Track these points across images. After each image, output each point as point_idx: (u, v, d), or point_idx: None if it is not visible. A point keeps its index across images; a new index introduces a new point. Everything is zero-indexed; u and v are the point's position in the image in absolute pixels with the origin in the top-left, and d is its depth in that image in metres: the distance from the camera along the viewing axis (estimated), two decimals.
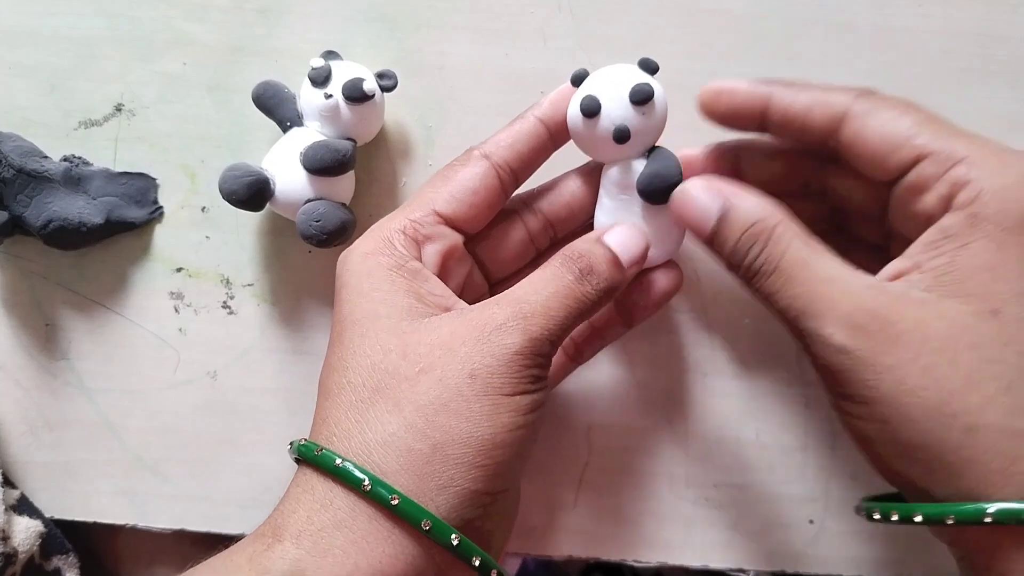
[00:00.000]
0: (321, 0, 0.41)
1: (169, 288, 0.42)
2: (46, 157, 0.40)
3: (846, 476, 0.41)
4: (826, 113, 0.31)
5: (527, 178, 0.37)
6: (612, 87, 0.34)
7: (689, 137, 0.41)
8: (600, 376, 0.41)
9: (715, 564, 0.41)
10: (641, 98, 0.33)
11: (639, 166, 0.35)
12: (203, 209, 0.42)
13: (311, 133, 0.38)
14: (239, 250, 0.42)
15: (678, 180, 0.34)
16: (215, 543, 0.44)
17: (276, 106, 0.39)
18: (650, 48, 0.41)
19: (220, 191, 0.37)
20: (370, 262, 0.32)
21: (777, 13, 0.41)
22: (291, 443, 0.31)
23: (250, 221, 0.41)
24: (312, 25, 0.41)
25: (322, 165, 0.37)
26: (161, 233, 0.42)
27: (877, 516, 0.30)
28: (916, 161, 0.29)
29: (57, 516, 0.42)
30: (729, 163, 0.37)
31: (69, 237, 0.38)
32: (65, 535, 0.42)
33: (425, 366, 0.29)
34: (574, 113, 0.35)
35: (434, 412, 0.28)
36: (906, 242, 0.30)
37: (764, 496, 0.41)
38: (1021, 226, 0.27)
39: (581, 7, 0.41)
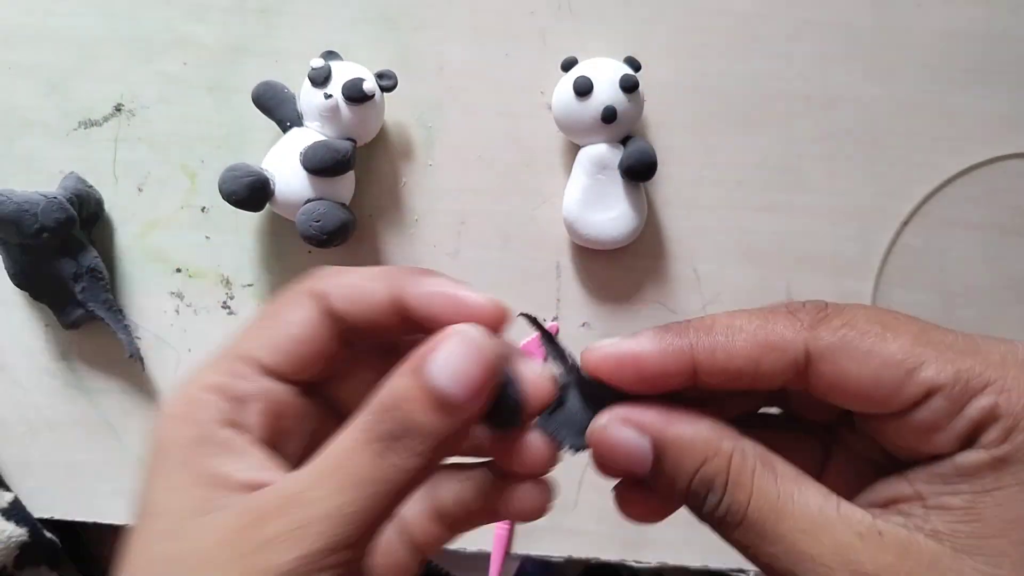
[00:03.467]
0: (321, 0, 0.41)
1: (169, 288, 0.42)
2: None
3: None
4: (779, 361, 0.23)
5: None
6: (603, 72, 0.38)
7: (689, 136, 0.42)
8: None
9: (715, 564, 0.41)
10: (631, 84, 0.38)
11: (617, 150, 0.39)
12: (203, 209, 0.42)
13: (311, 133, 0.38)
14: (239, 250, 0.42)
15: (656, 161, 0.38)
16: None
17: (276, 106, 0.39)
18: (650, 48, 0.41)
19: (220, 191, 0.37)
20: (169, 433, 0.24)
21: (777, 13, 0.41)
22: None
23: (250, 221, 0.41)
24: (312, 25, 0.41)
25: (322, 165, 0.37)
26: (161, 233, 0.42)
27: None
28: (924, 398, 0.23)
29: (57, 516, 0.42)
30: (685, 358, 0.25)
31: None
32: (64, 536, 0.42)
33: None
34: (564, 93, 0.38)
35: None
36: (872, 435, 0.24)
37: None
38: None
39: (581, 7, 0.41)
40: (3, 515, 0.40)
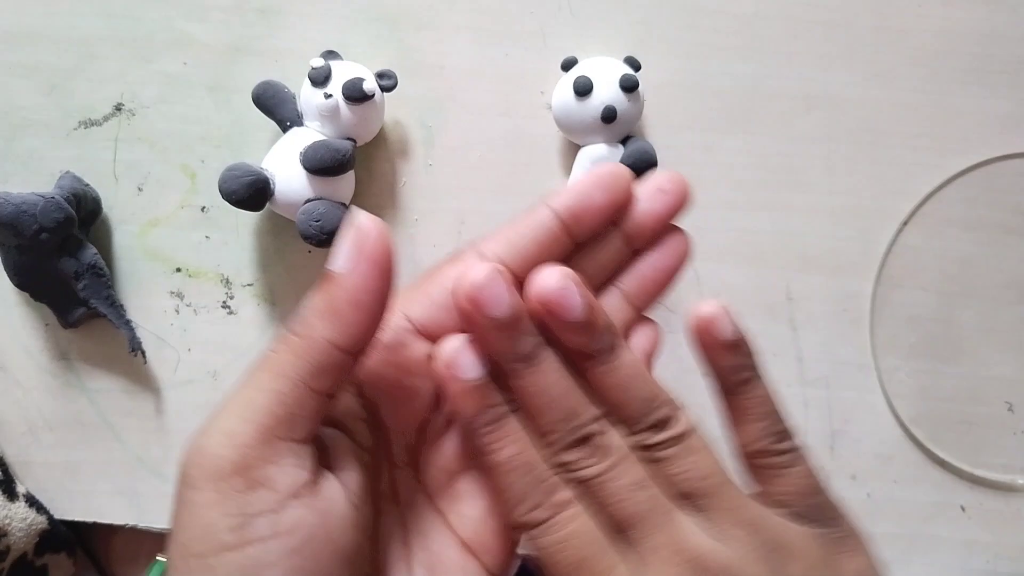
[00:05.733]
0: (321, 0, 0.41)
1: (169, 288, 0.42)
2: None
3: (846, 476, 0.41)
4: None
5: None
6: (603, 73, 0.38)
7: (689, 136, 0.42)
8: None
9: None
10: (631, 84, 0.38)
11: (617, 150, 0.39)
12: (203, 209, 0.42)
13: (311, 133, 0.38)
14: (239, 250, 0.42)
15: (656, 161, 0.39)
16: None
17: (276, 106, 0.39)
18: (650, 48, 0.41)
19: (220, 191, 0.37)
20: (204, 466, 0.22)
21: (777, 13, 0.41)
22: None
23: (250, 221, 0.41)
24: (312, 25, 0.41)
25: (322, 165, 0.37)
26: (161, 233, 0.42)
27: None
28: None
29: (57, 516, 0.42)
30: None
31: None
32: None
33: None
34: (564, 93, 0.38)
35: None
36: None
37: None
38: None
39: (581, 7, 0.41)
40: (26, 501, 0.40)
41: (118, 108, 0.42)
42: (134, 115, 0.42)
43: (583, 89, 0.38)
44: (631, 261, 0.27)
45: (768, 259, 0.41)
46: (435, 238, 0.41)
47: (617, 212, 0.26)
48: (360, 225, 0.23)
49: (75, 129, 0.42)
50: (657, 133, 0.41)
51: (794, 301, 0.41)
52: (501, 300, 0.23)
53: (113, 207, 0.42)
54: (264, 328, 0.42)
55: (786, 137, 0.42)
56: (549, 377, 0.24)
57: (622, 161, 0.38)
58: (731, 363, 0.26)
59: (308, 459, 0.23)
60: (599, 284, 0.27)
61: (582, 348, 0.24)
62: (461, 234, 0.41)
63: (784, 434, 0.26)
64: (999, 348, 0.42)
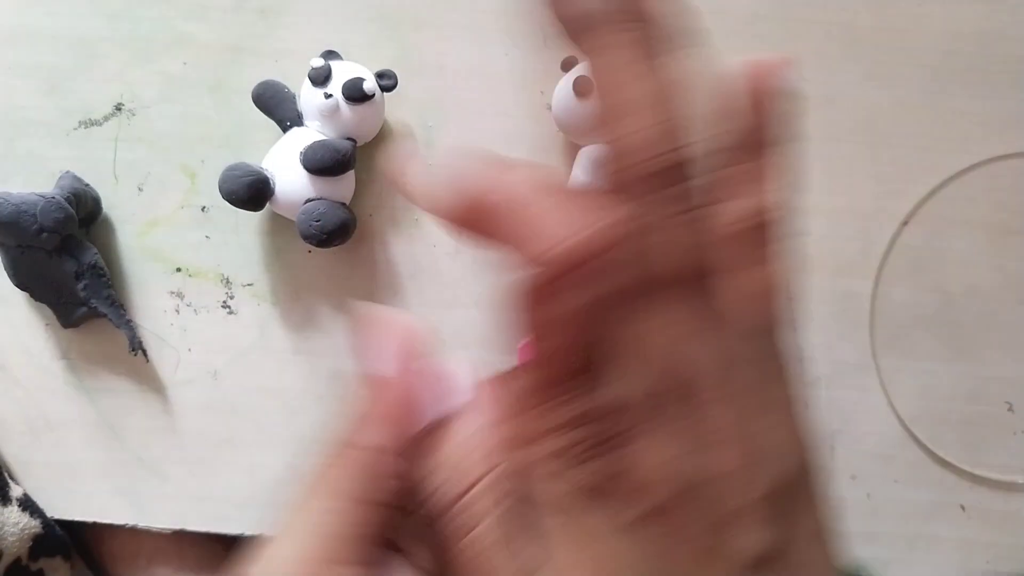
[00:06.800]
0: (321, 0, 0.41)
1: (169, 288, 0.42)
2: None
3: (846, 476, 0.41)
4: None
5: None
6: None
7: None
8: None
9: None
10: None
11: None
12: (203, 209, 0.42)
13: (311, 133, 0.38)
14: (239, 250, 0.42)
15: None
16: (215, 543, 0.44)
17: (276, 106, 0.39)
18: None
19: (220, 191, 0.37)
20: None
21: (777, 13, 0.41)
22: None
23: (250, 221, 0.41)
24: (312, 25, 0.41)
25: (322, 165, 0.37)
26: (161, 233, 0.42)
27: None
28: None
29: (57, 516, 0.42)
30: None
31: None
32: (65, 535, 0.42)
33: None
34: (564, 93, 0.38)
35: None
36: None
37: None
38: None
39: None
40: (19, 505, 0.40)
41: (118, 108, 0.42)
42: (134, 115, 0.42)
43: (584, 90, 0.38)
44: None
45: None
46: (435, 238, 0.41)
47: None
48: (391, 323, 0.22)
49: (75, 129, 0.42)
50: None
51: (794, 301, 0.41)
52: None
53: (113, 207, 0.42)
54: (264, 328, 0.42)
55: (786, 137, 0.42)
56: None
57: None
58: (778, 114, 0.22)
59: None
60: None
61: None
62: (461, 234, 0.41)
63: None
64: (999, 348, 0.42)
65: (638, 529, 0.19)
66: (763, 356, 0.22)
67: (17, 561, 0.40)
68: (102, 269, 0.39)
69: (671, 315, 0.19)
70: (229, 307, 0.42)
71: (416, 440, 0.22)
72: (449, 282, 0.41)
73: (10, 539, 0.39)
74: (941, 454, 0.41)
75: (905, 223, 0.42)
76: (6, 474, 0.41)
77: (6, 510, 0.39)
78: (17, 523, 0.39)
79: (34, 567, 0.41)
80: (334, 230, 0.37)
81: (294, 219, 0.38)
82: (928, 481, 0.42)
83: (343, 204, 0.38)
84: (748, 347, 0.22)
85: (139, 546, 0.45)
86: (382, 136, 0.41)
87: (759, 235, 0.22)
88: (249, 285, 0.42)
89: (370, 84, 0.37)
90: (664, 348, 0.19)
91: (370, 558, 0.22)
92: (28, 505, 0.40)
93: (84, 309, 0.39)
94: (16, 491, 0.40)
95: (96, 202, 0.41)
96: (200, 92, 0.42)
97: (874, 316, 0.42)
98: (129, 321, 0.40)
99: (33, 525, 0.40)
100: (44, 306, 0.41)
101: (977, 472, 0.42)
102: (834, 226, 0.42)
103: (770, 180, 0.22)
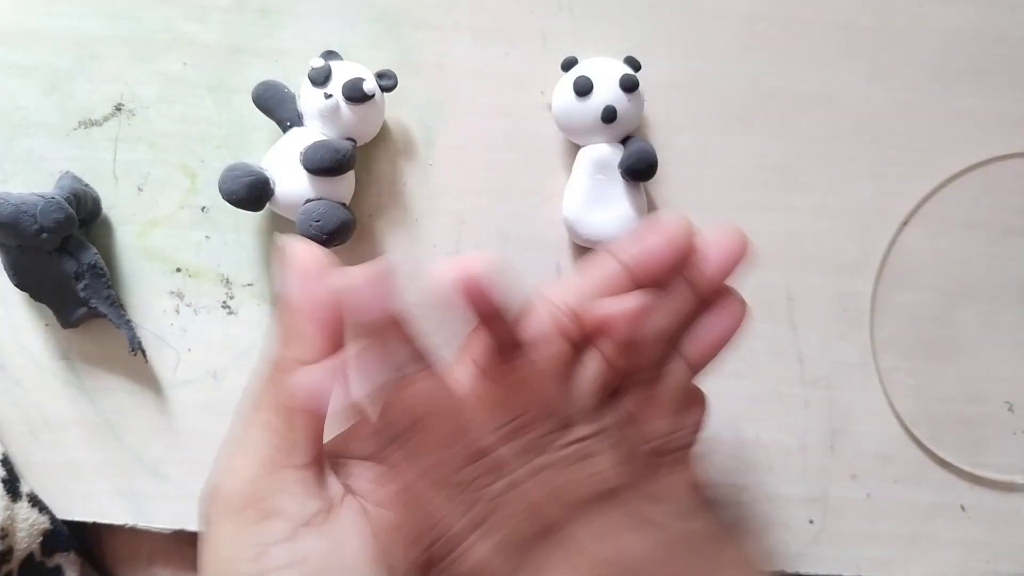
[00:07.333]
0: (321, 0, 0.41)
1: (169, 288, 0.42)
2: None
3: (846, 476, 0.41)
4: None
5: None
6: (603, 73, 0.38)
7: (689, 136, 0.42)
8: None
9: None
10: (630, 84, 0.38)
11: (617, 150, 0.39)
12: (203, 209, 0.42)
13: (311, 133, 0.38)
14: (239, 250, 0.42)
15: (656, 161, 0.38)
16: None
17: (276, 106, 0.39)
18: (649, 48, 0.41)
19: (220, 191, 0.37)
20: (219, 503, 0.24)
21: (777, 13, 0.41)
22: None
23: (250, 221, 0.41)
24: (312, 25, 0.41)
25: (322, 165, 0.37)
26: (161, 233, 0.42)
27: None
28: None
29: (57, 516, 0.42)
30: None
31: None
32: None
33: None
34: (564, 93, 0.38)
35: None
36: None
37: (764, 496, 0.41)
38: None
39: (581, 7, 0.41)
40: (28, 501, 0.40)
41: (118, 108, 0.42)
42: (134, 115, 0.42)
43: (583, 89, 0.38)
44: (700, 311, 0.29)
45: (768, 259, 0.41)
46: (435, 238, 0.41)
47: (679, 259, 0.28)
48: (293, 252, 0.25)
49: (75, 129, 0.42)
50: (657, 133, 0.41)
51: (794, 301, 0.41)
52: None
53: (113, 207, 0.42)
54: (264, 328, 0.42)
55: (786, 137, 0.42)
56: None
57: (622, 161, 0.38)
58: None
59: (316, 486, 0.23)
60: (673, 331, 0.28)
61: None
62: (461, 234, 0.41)
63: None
64: (999, 348, 0.42)
65: None
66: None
67: (31, 557, 0.40)
68: (102, 269, 0.39)
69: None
70: (229, 307, 0.42)
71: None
72: None
73: (22, 535, 0.39)
74: (941, 454, 0.41)
75: (905, 223, 0.42)
76: (16, 470, 0.41)
77: (16, 505, 0.39)
78: (27, 519, 0.39)
79: (49, 563, 0.41)
80: (334, 230, 0.37)
81: (294, 219, 0.38)
82: (928, 481, 0.42)
83: (343, 204, 0.38)
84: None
85: (139, 546, 0.45)
86: (382, 136, 0.41)
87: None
88: (249, 285, 0.42)
89: (370, 84, 0.37)
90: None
91: (311, 460, 0.24)
92: (36, 501, 0.41)
93: (84, 309, 0.39)
94: (25, 487, 0.41)
95: (96, 202, 0.41)
96: (200, 92, 0.42)
97: (874, 316, 0.42)
98: (129, 321, 0.40)
99: (42, 521, 0.40)
100: (44, 306, 0.41)
101: (977, 472, 0.42)
102: (834, 226, 0.42)
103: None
